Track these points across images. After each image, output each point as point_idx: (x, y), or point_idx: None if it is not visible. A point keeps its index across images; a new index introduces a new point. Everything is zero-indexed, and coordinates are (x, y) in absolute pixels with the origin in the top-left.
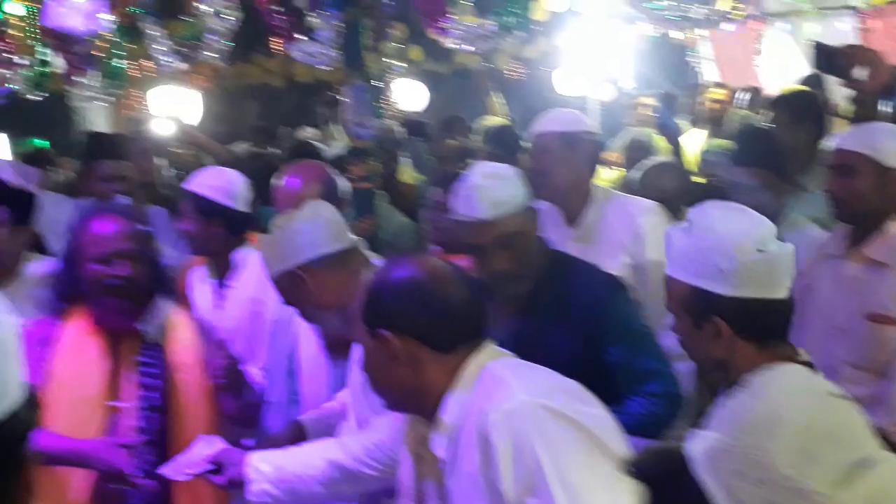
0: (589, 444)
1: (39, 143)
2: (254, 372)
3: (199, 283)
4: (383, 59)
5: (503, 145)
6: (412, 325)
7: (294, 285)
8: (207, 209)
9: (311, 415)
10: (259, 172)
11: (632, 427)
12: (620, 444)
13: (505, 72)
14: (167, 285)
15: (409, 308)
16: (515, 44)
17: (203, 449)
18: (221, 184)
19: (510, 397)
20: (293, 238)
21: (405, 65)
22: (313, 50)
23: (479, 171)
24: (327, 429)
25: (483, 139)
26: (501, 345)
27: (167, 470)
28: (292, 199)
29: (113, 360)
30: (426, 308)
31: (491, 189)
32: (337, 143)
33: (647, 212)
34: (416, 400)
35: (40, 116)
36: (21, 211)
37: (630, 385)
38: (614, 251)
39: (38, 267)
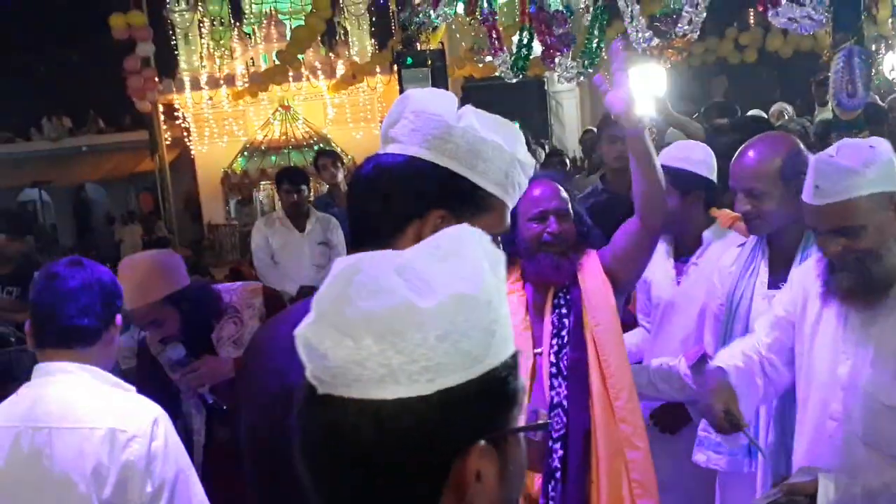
0: None
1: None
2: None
3: (659, 258)
4: (878, 23)
5: None
6: None
7: (873, 211)
8: (686, 183)
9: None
10: (724, 148)
11: None
12: None
13: None
14: (590, 239)
15: None
16: None
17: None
18: (700, 157)
19: None
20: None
21: None
22: (799, 14)
23: None
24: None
25: None
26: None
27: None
28: (747, 174)
29: (536, 309)
30: None
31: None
32: (825, 117)
33: None
34: None
35: (516, 99)
36: None
37: None
38: None
39: None
